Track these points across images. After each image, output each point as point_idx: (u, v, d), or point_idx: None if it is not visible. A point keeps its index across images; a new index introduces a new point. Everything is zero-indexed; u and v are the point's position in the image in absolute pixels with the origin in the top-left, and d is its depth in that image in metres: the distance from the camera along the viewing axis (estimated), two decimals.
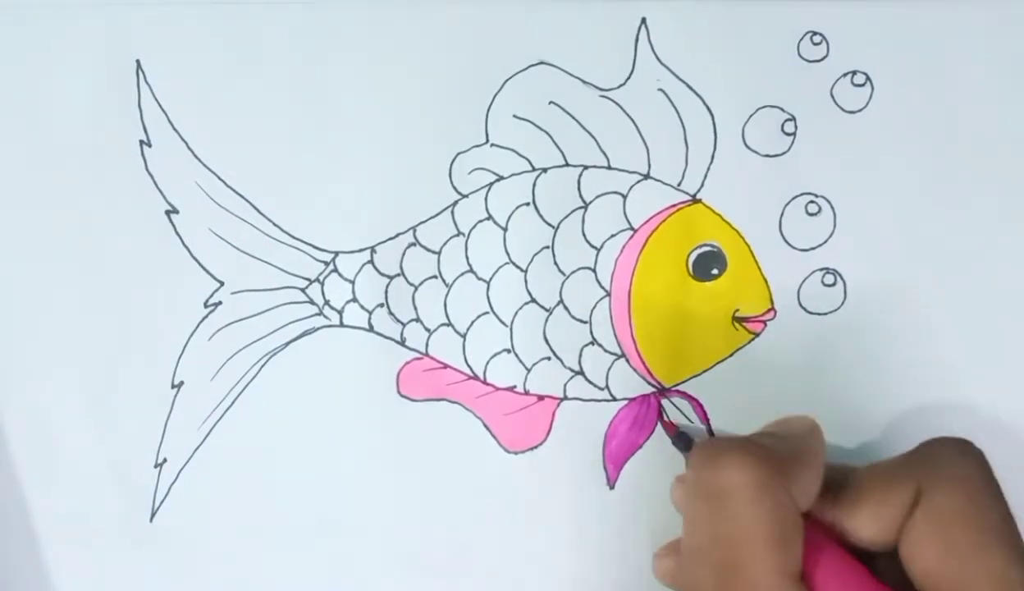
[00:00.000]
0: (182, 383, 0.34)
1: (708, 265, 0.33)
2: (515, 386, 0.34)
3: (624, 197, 0.33)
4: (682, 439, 0.31)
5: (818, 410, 0.32)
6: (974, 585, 0.24)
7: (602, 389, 0.33)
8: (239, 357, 0.34)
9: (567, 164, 0.33)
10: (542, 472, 0.34)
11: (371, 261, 0.34)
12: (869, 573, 0.26)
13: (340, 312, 0.34)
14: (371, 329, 0.34)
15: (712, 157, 0.33)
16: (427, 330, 0.34)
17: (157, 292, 0.34)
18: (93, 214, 0.34)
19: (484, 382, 0.34)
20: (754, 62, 0.33)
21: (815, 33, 0.32)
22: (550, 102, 0.33)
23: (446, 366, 0.34)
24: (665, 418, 0.33)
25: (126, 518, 0.34)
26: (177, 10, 0.33)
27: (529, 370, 0.33)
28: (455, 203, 0.33)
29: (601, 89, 0.33)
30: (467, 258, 0.33)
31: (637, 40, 0.33)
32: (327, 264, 0.34)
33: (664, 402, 0.33)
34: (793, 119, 0.33)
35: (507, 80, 0.33)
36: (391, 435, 0.34)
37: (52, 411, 0.34)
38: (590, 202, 0.33)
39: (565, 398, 0.33)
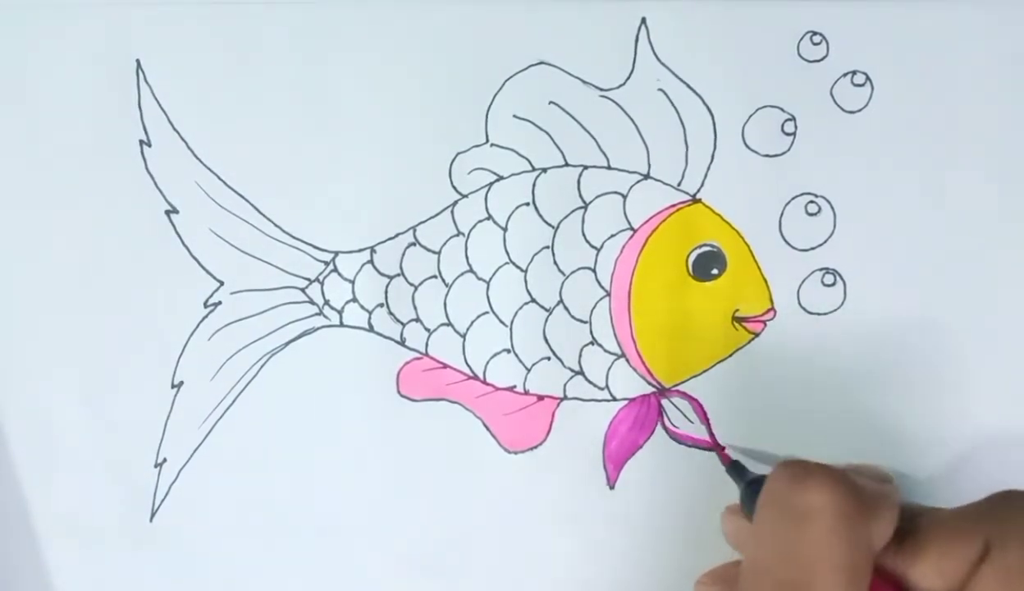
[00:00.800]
0: (182, 383, 0.34)
1: (708, 265, 0.33)
2: (515, 386, 0.34)
3: (624, 197, 0.33)
4: (736, 469, 0.31)
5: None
6: None
7: (602, 389, 0.33)
8: (239, 357, 0.34)
9: (567, 164, 0.33)
10: (542, 472, 0.34)
11: (371, 261, 0.34)
12: None
13: (340, 312, 0.34)
14: (371, 329, 0.34)
15: (712, 157, 0.33)
16: (427, 330, 0.34)
17: (157, 292, 0.34)
18: (93, 214, 0.34)
19: (484, 382, 0.34)
20: (754, 62, 0.33)
21: (815, 33, 0.32)
22: (550, 102, 0.33)
23: (446, 366, 0.34)
24: (717, 444, 0.32)
25: (126, 518, 0.34)
26: (177, 10, 0.33)
27: (529, 370, 0.33)
28: (455, 203, 0.33)
29: (601, 89, 0.33)
30: (467, 258, 0.33)
31: (637, 40, 0.33)
32: (327, 264, 0.34)
33: (665, 403, 0.33)
34: (793, 119, 0.33)
35: (507, 80, 0.33)
36: (391, 435, 0.34)
37: (52, 411, 0.34)
38: (590, 202, 0.33)
39: (565, 398, 0.33)
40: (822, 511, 0.24)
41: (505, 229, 0.33)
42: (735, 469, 0.31)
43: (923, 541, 0.26)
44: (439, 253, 0.33)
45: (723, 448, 0.32)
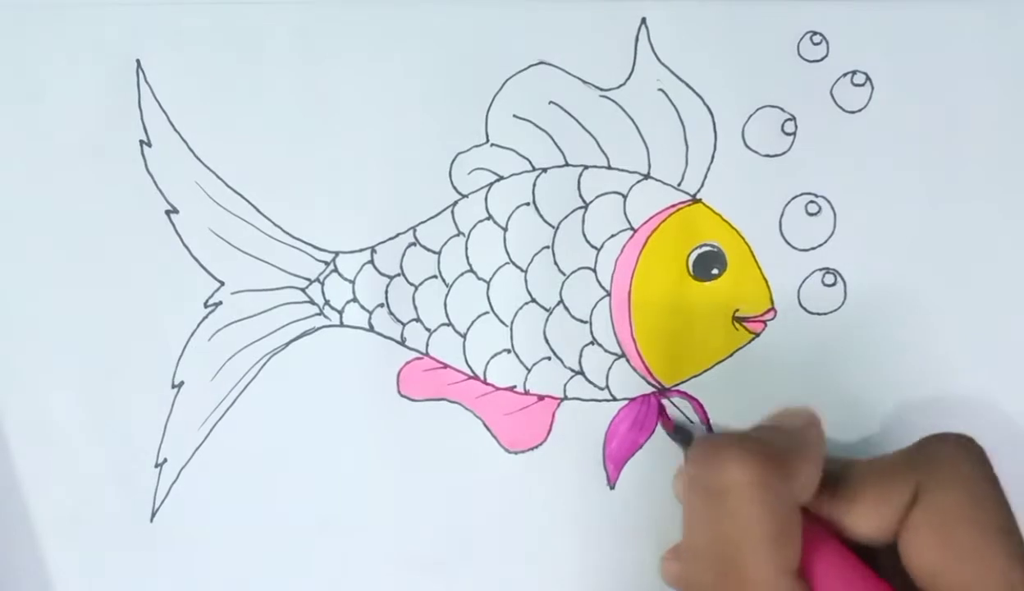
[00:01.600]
0: (182, 383, 0.34)
1: (708, 265, 0.33)
2: (515, 386, 0.34)
3: (624, 197, 0.33)
4: (680, 434, 0.31)
5: (817, 410, 0.32)
6: (974, 585, 0.24)
7: (602, 389, 0.33)
8: (239, 357, 0.34)
9: (567, 164, 0.33)
10: (542, 472, 0.34)
11: (371, 261, 0.34)
12: (867, 567, 0.26)
13: (340, 312, 0.34)
14: (371, 329, 0.34)
15: (712, 157, 0.33)
16: (427, 330, 0.34)
17: (157, 292, 0.34)
18: (93, 214, 0.34)
19: (484, 382, 0.34)
20: (754, 62, 0.33)
21: (815, 33, 0.32)
22: (550, 102, 0.33)
23: (446, 366, 0.34)
24: (665, 414, 0.33)
25: (126, 518, 0.34)
26: (177, 10, 0.33)
27: (529, 370, 0.33)
28: (455, 203, 0.33)
29: (601, 89, 0.33)
30: (467, 258, 0.33)
31: (637, 40, 0.33)
32: (327, 264, 0.34)
33: (664, 402, 0.33)
34: (793, 119, 0.33)
35: (507, 80, 0.33)
36: (391, 435, 0.34)
37: (52, 411, 0.34)
38: (590, 202, 0.33)
39: (565, 398, 0.34)
40: (737, 485, 0.24)
41: (505, 229, 0.33)
42: (680, 434, 0.31)
43: (856, 487, 0.27)
44: (439, 253, 0.33)
45: (670, 420, 0.31)
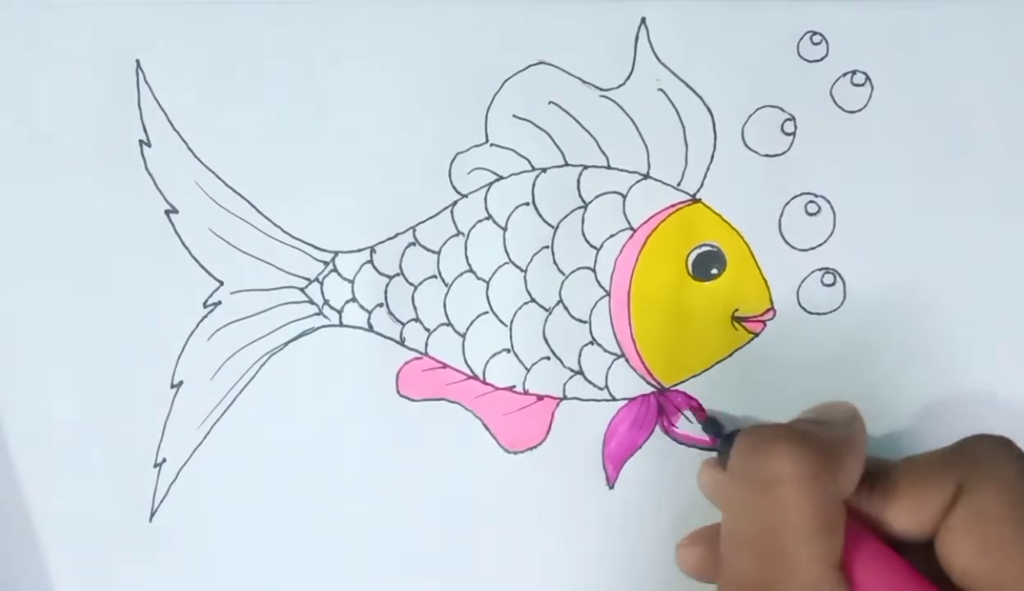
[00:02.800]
0: (182, 383, 0.34)
1: (708, 265, 0.33)
2: (514, 386, 0.34)
3: (624, 197, 0.33)
4: (713, 426, 0.31)
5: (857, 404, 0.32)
6: (1015, 585, 0.24)
7: (602, 389, 0.33)
8: (239, 357, 0.34)
9: (567, 164, 0.33)
10: (542, 472, 0.34)
11: (371, 261, 0.34)
12: (906, 563, 0.26)
13: (340, 312, 0.34)
14: (371, 329, 0.34)
15: (712, 157, 0.33)
16: (427, 330, 0.34)
17: (157, 292, 0.34)
18: (93, 214, 0.34)
19: (483, 382, 0.34)
20: (754, 62, 0.33)
21: (815, 33, 0.32)
22: (550, 102, 0.33)
23: (446, 366, 0.34)
24: (699, 406, 0.33)
25: (126, 518, 0.34)
26: (177, 10, 0.33)
27: (529, 370, 0.33)
28: (455, 203, 0.33)
29: (601, 89, 0.33)
30: (467, 258, 0.33)
31: (637, 40, 0.33)
32: (327, 264, 0.34)
33: (664, 403, 0.33)
34: (793, 119, 0.33)
35: (507, 80, 0.33)
36: (390, 435, 0.34)
37: (52, 411, 0.34)
38: (590, 202, 0.33)
39: (565, 398, 0.33)
40: (787, 476, 0.25)
41: (505, 229, 0.33)
42: (712, 425, 0.31)
43: (896, 485, 0.27)
44: (439, 253, 0.33)
45: (702, 410, 0.32)
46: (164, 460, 0.34)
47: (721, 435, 0.31)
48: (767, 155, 0.33)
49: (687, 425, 0.33)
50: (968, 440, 0.27)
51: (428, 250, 0.33)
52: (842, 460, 0.26)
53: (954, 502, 0.26)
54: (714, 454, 0.31)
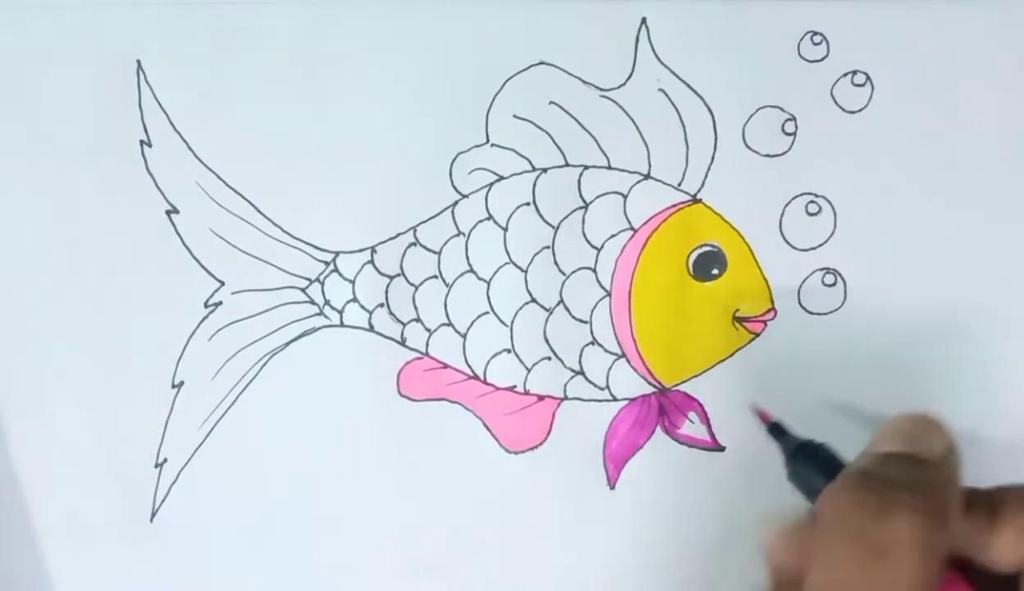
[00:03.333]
0: (182, 383, 0.34)
1: (708, 265, 0.33)
2: (515, 386, 0.34)
3: (624, 197, 0.33)
4: (778, 431, 0.29)
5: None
6: None
7: (602, 389, 0.33)
8: (239, 357, 0.34)
9: (567, 164, 0.33)
10: (542, 472, 0.34)
11: (371, 261, 0.34)
12: None
13: (340, 312, 0.34)
14: (371, 329, 0.34)
15: (712, 157, 0.33)
16: (427, 330, 0.34)
17: (158, 292, 0.34)
18: (93, 214, 0.34)
19: (484, 382, 0.34)
20: (754, 62, 0.33)
21: (815, 33, 0.32)
22: (550, 102, 0.33)
23: (446, 366, 0.34)
24: (758, 410, 0.31)
25: (126, 518, 0.34)
26: (177, 10, 0.33)
27: (529, 370, 0.33)
28: (455, 203, 0.33)
29: (601, 89, 0.33)
30: (467, 258, 0.33)
31: (637, 40, 0.33)
32: (327, 264, 0.34)
33: (664, 403, 0.33)
34: (793, 119, 0.33)
35: (507, 80, 0.33)
36: (391, 435, 0.34)
37: (52, 411, 0.34)
38: (590, 202, 0.33)
39: (565, 398, 0.34)
40: (903, 544, 0.23)
41: (505, 229, 0.33)
42: (776, 431, 0.29)
43: (1000, 515, 0.25)
44: (439, 253, 0.33)
45: (766, 414, 0.30)
46: (165, 460, 0.34)
47: (790, 447, 0.28)
48: (768, 155, 0.33)
49: (688, 426, 0.33)
50: None
51: (429, 250, 0.33)
52: (951, 510, 0.24)
53: None
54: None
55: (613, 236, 0.33)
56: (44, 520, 0.35)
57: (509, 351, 0.33)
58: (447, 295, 0.33)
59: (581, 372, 0.33)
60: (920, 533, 0.23)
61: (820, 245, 0.33)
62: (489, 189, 0.33)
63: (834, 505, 0.25)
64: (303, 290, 0.34)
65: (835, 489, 0.25)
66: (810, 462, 0.28)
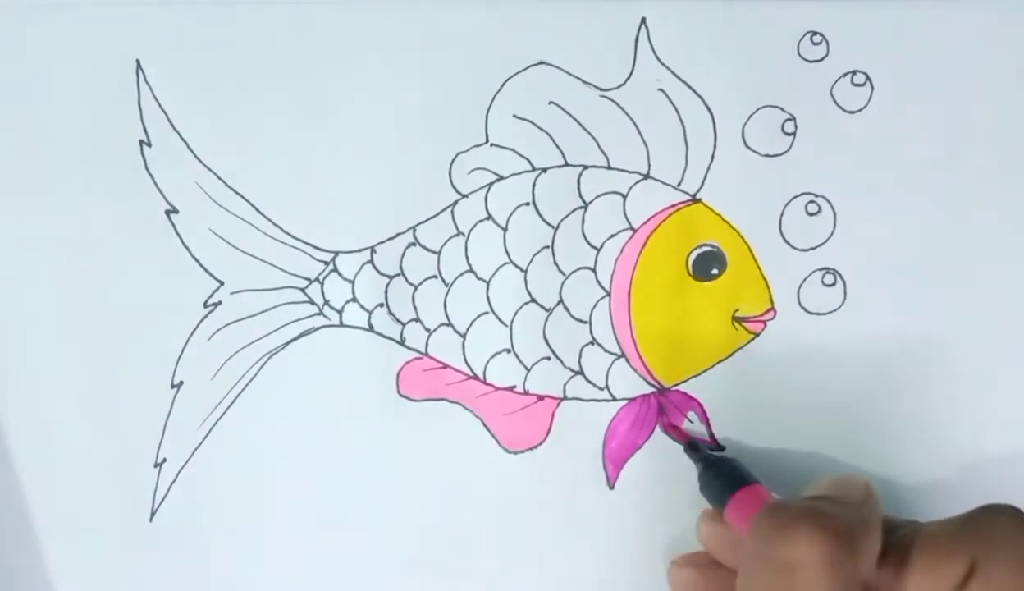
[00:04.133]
0: (182, 383, 0.34)
1: (708, 265, 0.33)
2: (515, 386, 0.34)
3: (624, 197, 0.33)
4: (695, 450, 0.32)
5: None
6: None
7: (602, 389, 0.33)
8: (239, 357, 0.34)
9: (567, 164, 0.33)
10: (542, 472, 0.34)
11: (371, 261, 0.34)
12: None
13: (340, 312, 0.34)
14: (371, 329, 0.34)
15: (712, 157, 0.33)
16: (427, 330, 0.34)
17: (157, 292, 0.34)
18: (93, 214, 0.34)
19: (484, 382, 0.34)
20: (754, 62, 0.33)
21: (815, 33, 0.32)
22: (550, 102, 0.33)
23: (446, 366, 0.34)
24: (665, 420, 0.33)
25: (126, 518, 0.34)
26: (177, 10, 0.33)
27: (529, 370, 0.33)
28: (455, 203, 0.33)
29: (601, 89, 0.33)
30: (467, 258, 0.33)
31: (637, 40, 0.33)
32: (327, 264, 0.34)
33: (664, 403, 0.33)
34: (793, 119, 0.33)
35: (507, 80, 0.33)
36: (391, 435, 0.34)
37: (52, 411, 0.34)
38: (590, 202, 0.33)
39: (565, 398, 0.34)
40: (810, 563, 0.24)
41: (505, 229, 0.33)
42: (691, 447, 0.32)
43: (908, 557, 0.26)
44: (439, 253, 0.33)
45: (684, 432, 0.33)
46: (164, 460, 0.34)
47: (702, 460, 0.31)
48: (767, 155, 0.33)
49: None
50: (981, 512, 0.27)
51: (428, 250, 0.33)
52: (862, 543, 0.25)
53: (968, 577, 0.25)
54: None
55: (613, 236, 0.33)
56: (44, 520, 0.35)
57: (509, 351, 0.33)
58: (446, 295, 0.33)
59: (581, 372, 0.33)
60: (823, 553, 0.24)
61: (820, 245, 0.33)
62: (489, 189, 0.33)
63: (753, 529, 0.26)
64: (302, 290, 0.34)
65: (756, 515, 0.26)
66: (717, 475, 0.31)
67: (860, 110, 0.33)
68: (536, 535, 0.34)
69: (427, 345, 0.34)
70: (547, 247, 0.33)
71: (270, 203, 0.34)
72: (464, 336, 0.34)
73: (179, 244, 0.34)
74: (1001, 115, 0.32)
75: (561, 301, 0.33)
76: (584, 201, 0.33)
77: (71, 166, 0.34)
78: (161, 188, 0.34)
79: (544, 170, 0.33)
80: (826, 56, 0.32)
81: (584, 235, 0.33)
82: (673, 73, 0.33)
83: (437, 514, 0.34)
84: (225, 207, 0.34)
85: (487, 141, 0.33)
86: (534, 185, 0.33)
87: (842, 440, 0.33)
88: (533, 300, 0.33)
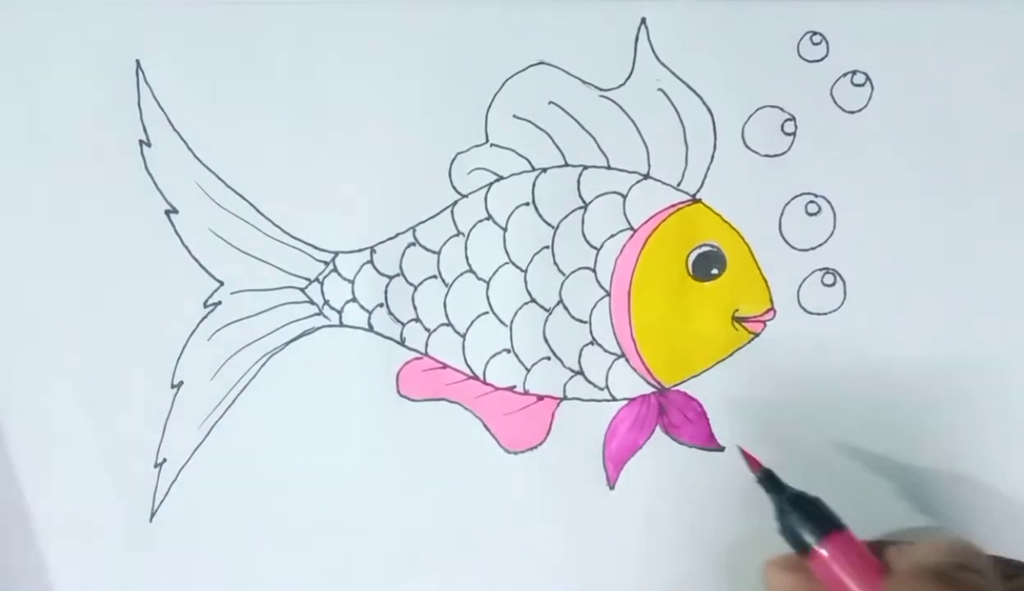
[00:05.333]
0: (182, 383, 0.34)
1: (708, 265, 0.33)
2: (515, 386, 0.34)
3: (624, 197, 0.33)
4: (774, 484, 0.28)
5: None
6: None
7: (602, 389, 0.33)
8: (239, 357, 0.34)
9: (567, 164, 0.33)
10: (542, 472, 0.34)
11: (371, 261, 0.34)
12: None
13: (340, 312, 0.34)
14: (371, 329, 0.34)
15: (712, 157, 0.33)
16: (427, 330, 0.34)
17: (157, 292, 0.34)
18: (93, 214, 0.34)
19: (484, 382, 0.34)
20: (754, 62, 0.33)
21: (815, 33, 0.32)
22: (550, 102, 0.33)
23: (446, 366, 0.34)
24: (745, 451, 0.30)
25: (126, 518, 0.34)
26: (177, 10, 0.33)
27: (529, 370, 0.33)
28: (455, 203, 0.33)
29: (601, 89, 0.33)
30: (467, 258, 0.33)
31: (637, 40, 0.33)
32: (327, 264, 0.34)
33: (664, 402, 0.33)
34: (793, 119, 0.33)
35: (507, 80, 0.33)
36: (391, 435, 0.34)
37: (52, 411, 0.34)
38: (590, 202, 0.33)
39: (565, 398, 0.33)
40: None
41: (505, 229, 0.33)
42: (768, 479, 0.28)
43: None
44: (439, 253, 0.33)
45: (757, 462, 0.29)
46: (164, 460, 0.34)
47: (784, 496, 0.28)
48: (767, 155, 0.33)
49: (687, 426, 0.33)
50: None
51: (428, 250, 0.33)
52: None
53: None
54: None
55: (612, 236, 0.33)
56: (44, 520, 0.35)
57: (508, 351, 0.33)
58: (446, 295, 0.33)
59: (580, 372, 0.33)
60: None
61: (819, 245, 0.33)
62: (488, 189, 0.33)
63: None
64: (302, 290, 0.34)
65: (907, 578, 0.25)
66: (806, 517, 0.27)
67: (860, 110, 0.33)
68: (536, 535, 0.34)
69: (427, 345, 0.34)
70: (547, 247, 0.33)
71: (270, 203, 0.34)
72: (464, 336, 0.34)
73: (179, 244, 0.34)
74: (1000, 115, 0.32)
75: (561, 301, 0.33)
76: (584, 201, 0.33)
77: (71, 166, 0.34)
78: (160, 188, 0.34)
79: (544, 170, 0.33)
80: (826, 56, 0.32)
81: (584, 235, 0.33)
82: (673, 73, 0.33)
83: (437, 514, 0.34)
84: (225, 207, 0.34)
85: (487, 141, 0.33)
86: (534, 185, 0.33)
87: (842, 439, 0.33)
88: (533, 300, 0.33)
